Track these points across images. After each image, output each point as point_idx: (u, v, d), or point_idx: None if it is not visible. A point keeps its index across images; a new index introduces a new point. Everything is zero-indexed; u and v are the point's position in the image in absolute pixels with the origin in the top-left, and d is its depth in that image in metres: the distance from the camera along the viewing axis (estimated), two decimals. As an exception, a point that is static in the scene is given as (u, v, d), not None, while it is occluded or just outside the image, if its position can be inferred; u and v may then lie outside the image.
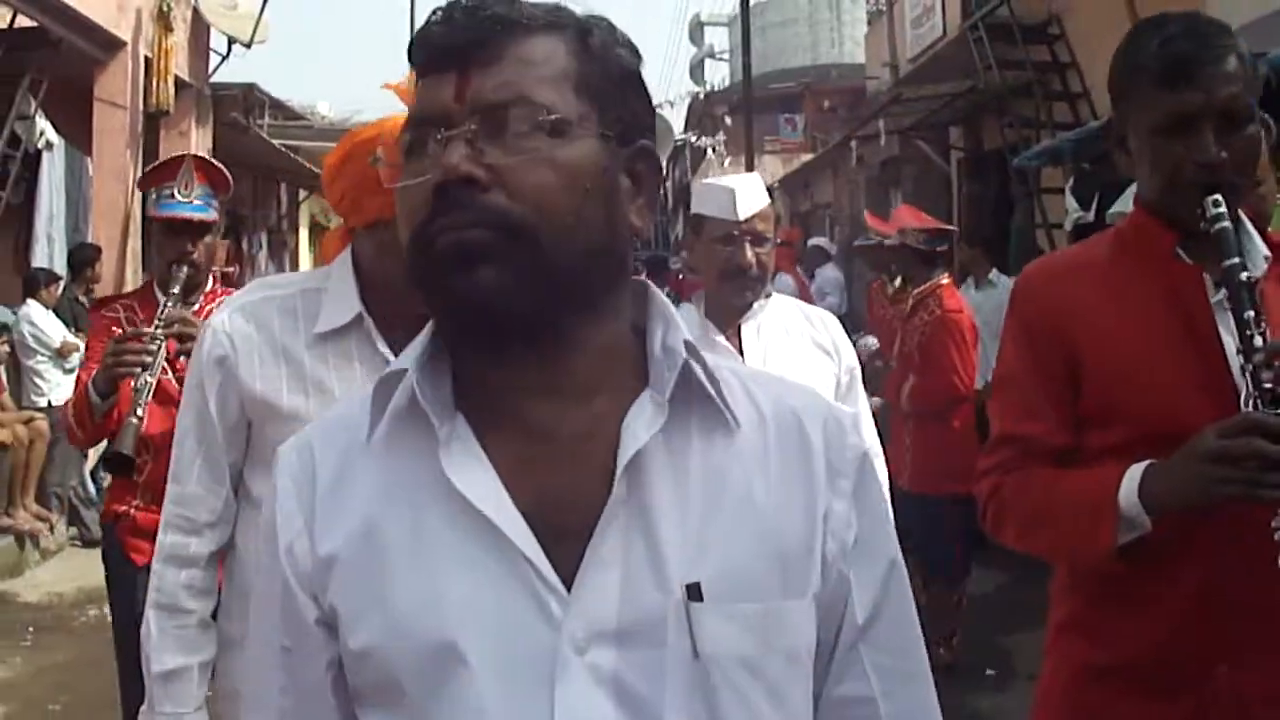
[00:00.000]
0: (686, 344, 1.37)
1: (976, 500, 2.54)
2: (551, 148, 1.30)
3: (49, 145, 11.82)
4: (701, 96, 37.58)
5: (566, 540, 1.30)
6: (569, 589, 1.28)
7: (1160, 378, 2.35)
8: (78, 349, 10.41)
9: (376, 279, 2.51)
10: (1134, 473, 2.25)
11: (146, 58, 13.00)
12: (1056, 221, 11.31)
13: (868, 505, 1.44)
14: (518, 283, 1.27)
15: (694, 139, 27.45)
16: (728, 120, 29.81)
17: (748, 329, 3.61)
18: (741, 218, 3.50)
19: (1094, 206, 9.52)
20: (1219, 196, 2.28)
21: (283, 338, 2.50)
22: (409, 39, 1.38)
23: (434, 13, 1.35)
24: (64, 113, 12.08)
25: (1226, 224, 2.27)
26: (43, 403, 10.42)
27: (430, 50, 1.34)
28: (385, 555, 1.33)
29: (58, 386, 10.41)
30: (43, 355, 10.49)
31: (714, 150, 29.12)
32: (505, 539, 1.29)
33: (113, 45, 12.54)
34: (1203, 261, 2.36)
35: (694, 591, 1.29)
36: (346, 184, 2.49)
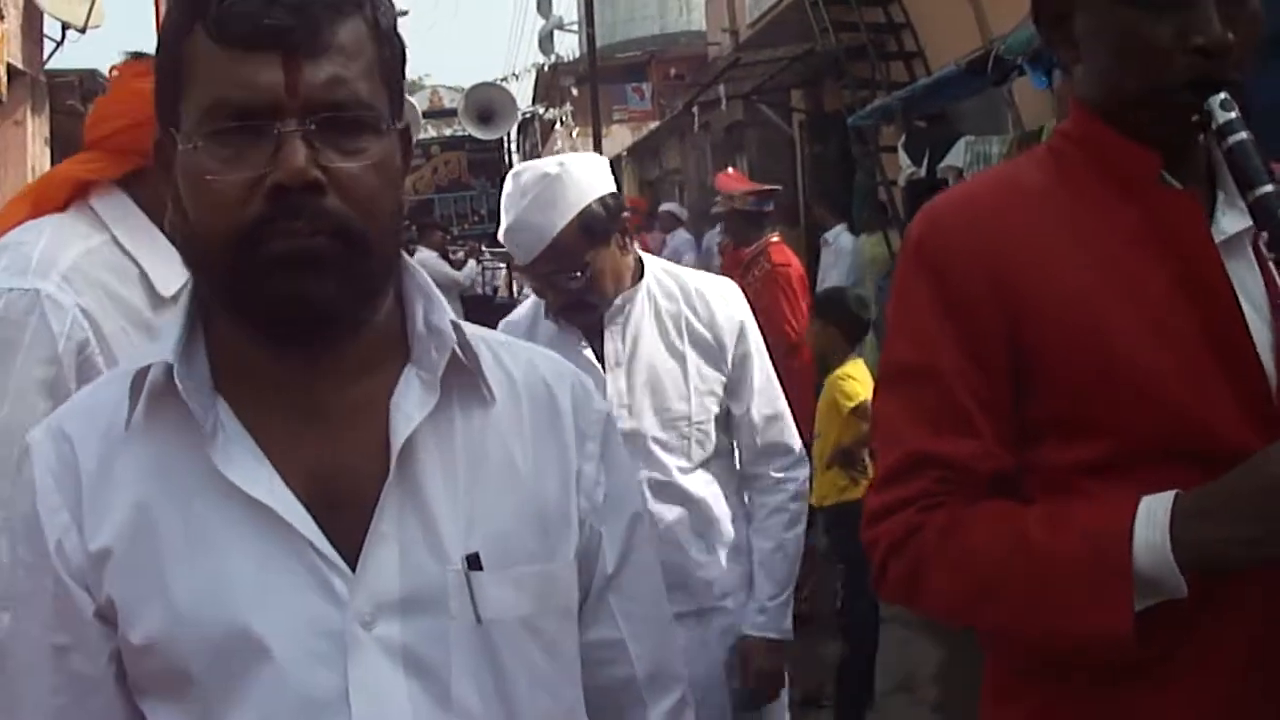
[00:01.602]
0: (454, 324, 1.41)
1: (868, 550, 1.82)
2: (376, 149, 1.31)
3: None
4: (547, 68, 37.43)
5: (344, 518, 1.33)
6: (351, 566, 1.31)
7: (1158, 359, 1.64)
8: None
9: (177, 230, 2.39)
10: (1154, 512, 1.55)
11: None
12: (894, 178, 11.46)
13: (614, 464, 1.53)
14: (348, 288, 1.29)
15: (542, 111, 27.37)
16: (574, 91, 29.73)
17: (608, 335, 3.22)
18: (526, 263, 3.19)
19: (925, 162, 9.65)
20: (1227, 96, 1.64)
21: (131, 301, 2.24)
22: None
23: None
24: (-108, 103, 11.69)
25: (1244, 135, 1.64)
26: None
27: (248, 25, 1.24)
28: (160, 545, 1.31)
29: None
30: None
31: (562, 122, 29.06)
32: (282, 521, 1.30)
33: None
34: (1191, 190, 1.73)
35: (474, 561, 1.35)
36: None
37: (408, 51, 1.40)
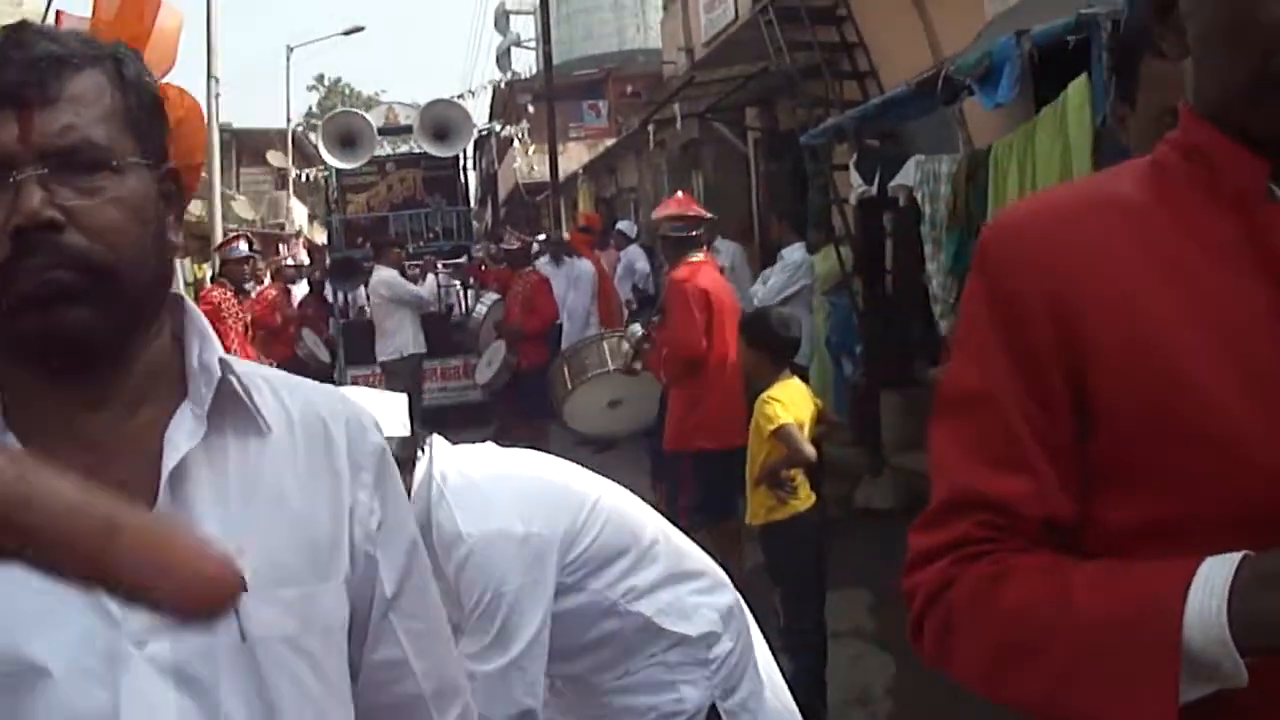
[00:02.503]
0: (221, 360, 1.50)
1: (907, 599, 1.57)
2: (116, 186, 1.40)
3: None
4: (504, 85, 37.45)
5: None
6: None
7: (1245, 408, 1.37)
8: None
9: None
10: (1214, 576, 1.28)
11: None
12: (846, 197, 11.55)
13: (388, 494, 1.62)
14: (102, 317, 1.38)
15: (498, 128, 27.34)
16: (531, 109, 29.75)
17: None
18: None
19: (876, 180, 9.74)
20: None
21: None
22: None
23: None
24: None
25: None
26: None
27: None
28: None
29: None
30: None
31: (519, 139, 29.06)
32: None
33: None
34: None
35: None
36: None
37: (160, 100, 1.52)
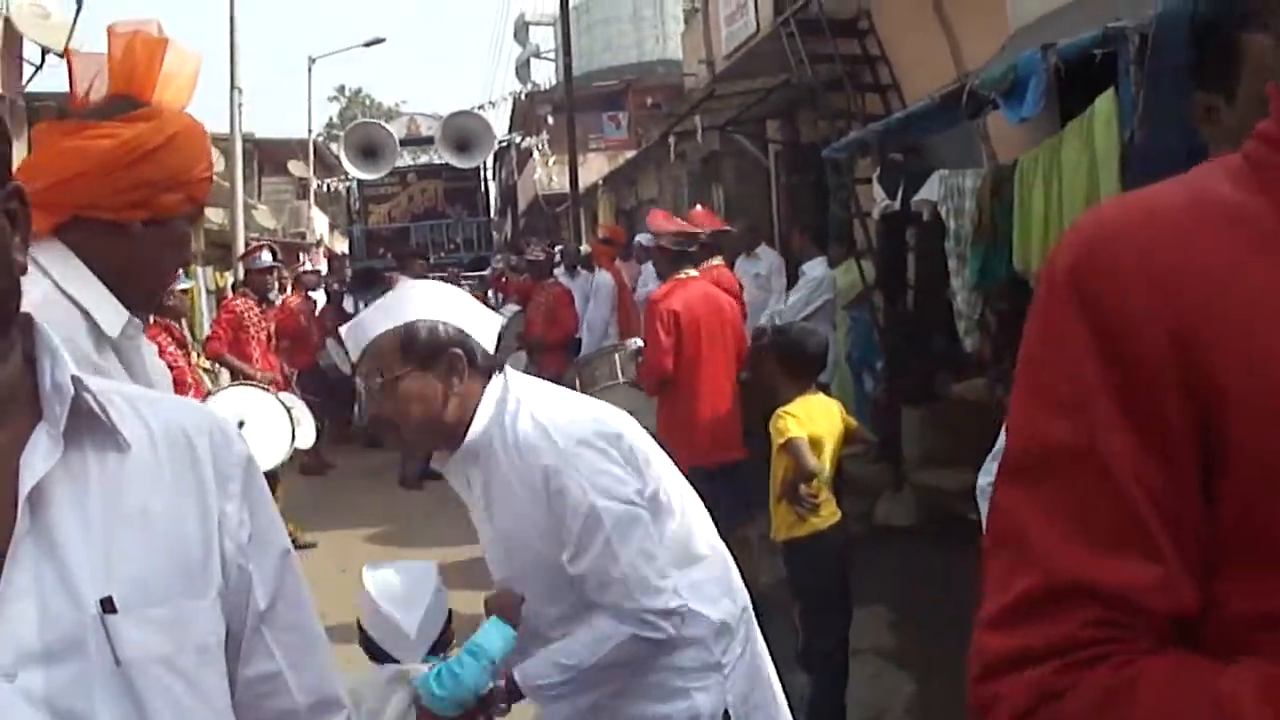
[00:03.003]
0: (74, 379, 1.45)
1: (981, 712, 1.28)
2: None
3: None
4: (524, 96, 37.51)
5: None
6: None
7: None
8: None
9: (131, 276, 2.49)
10: None
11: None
12: (869, 210, 11.51)
13: (257, 504, 1.59)
14: None
15: (518, 139, 27.37)
16: (550, 120, 29.79)
17: (471, 480, 3.21)
18: (353, 361, 3.14)
19: (899, 195, 9.70)
20: None
21: (81, 346, 2.36)
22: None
23: None
24: None
25: None
26: None
27: None
28: None
29: None
30: None
31: (538, 150, 29.10)
32: None
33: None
34: None
35: (107, 605, 1.39)
36: (152, 174, 2.46)
37: (3, 119, 1.49)
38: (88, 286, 2.43)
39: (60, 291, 2.38)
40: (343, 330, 3.17)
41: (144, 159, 2.43)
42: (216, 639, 1.51)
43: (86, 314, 2.41)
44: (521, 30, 45.85)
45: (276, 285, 13.95)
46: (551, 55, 40.09)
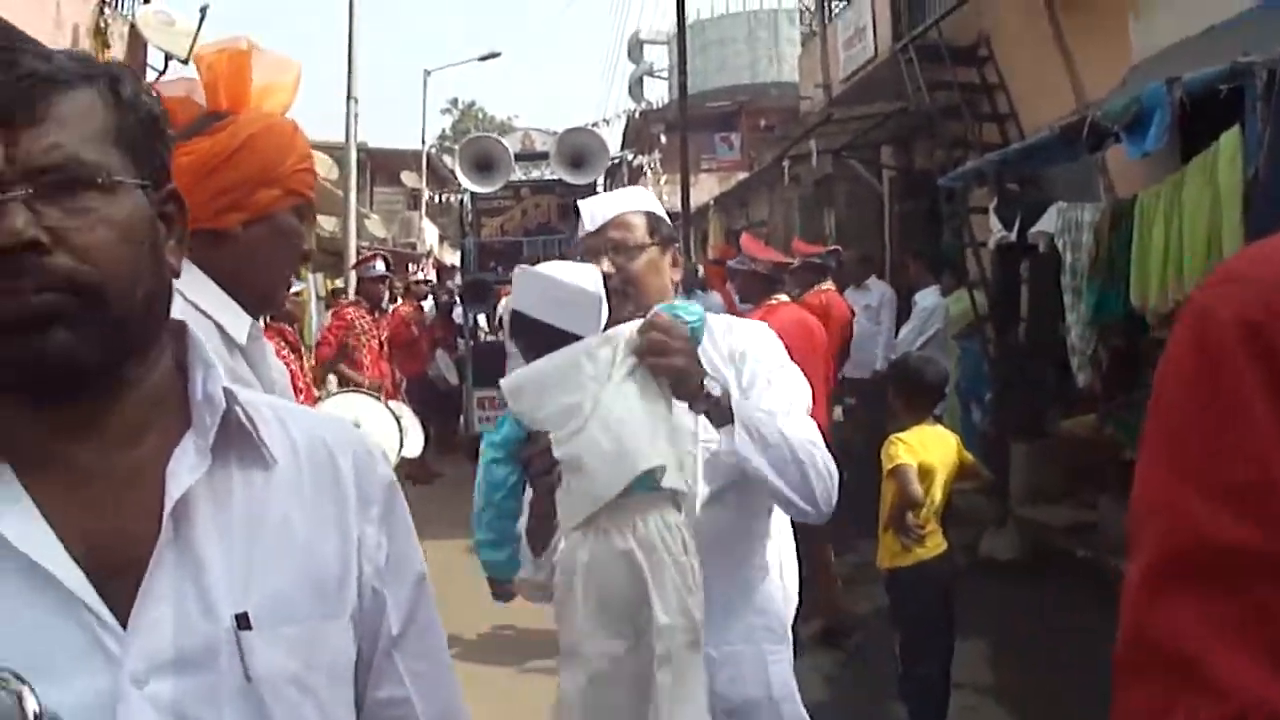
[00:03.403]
0: (226, 391, 1.45)
1: None
2: (106, 206, 1.34)
3: (-15, 164, 11.70)
4: (637, 114, 37.61)
5: (119, 579, 1.33)
6: (125, 626, 1.31)
7: None
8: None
9: (244, 280, 2.52)
10: None
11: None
12: (983, 240, 11.44)
13: (396, 528, 1.58)
14: (89, 340, 1.32)
15: (630, 156, 27.39)
16: (663, 139, 29.85)
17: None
18: (590, 229, 3.19)
19: (1016, 227, 9.62)
20: None
21: (221, 354, 2.41)
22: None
23: None
24: (0, 130, 11.97)
25: None
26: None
27: None
28: None
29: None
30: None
31: (650, 168, 29.15)
32: (56, 582, 1.30)
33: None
34: None
35: (242, 620, 1.37)
36: (236, 176, 2.49)
37: (161, 120, 1.47)
38: (211, 296, 2.48)
39: (189, 303, 2.39)
40: (583, 204, 3.26)
41: (223, 165, 2.46)
42: (347, 660, 1.51)
43: (216, 323, 2.46)
44: (636, 48, 46.03)
45: (389, 295, 14.10)
46: (665, 74, 40.24)
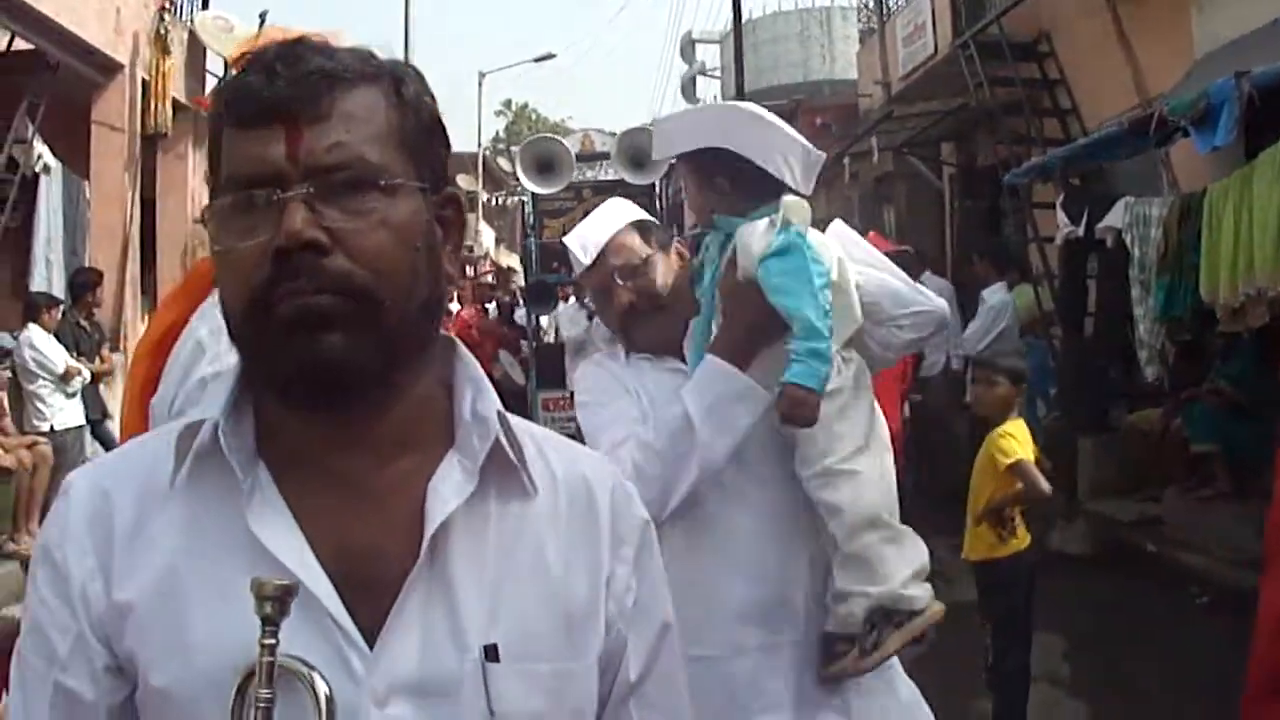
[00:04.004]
0: (499, 413, 1.41)
1: None
2: (386, 208, 1.31)
3: (46, 169, 11.87)
4: (694, 114, 37.54)
5: (368, 595, 1.31)
6: (369, 643, 1.30)
7: None
8: (80, 373, 10.49)
9: None
10: None
11: (144, 80, 13.08)
12: (1048, 235, 11.41)
13: (647, 571, 1.51)
14: (363, 345, 1.29)
15: (687, 156, 27.47)
16: (720, 138, 29.81)
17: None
18: (586, 264, 3.13)
19: (1084, 221, 9.62)
20: None
21: None
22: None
23: (250, 64, 1.34)
24: (61, 136, 12.13)
25: None
26: (45, 427, 10.35)
27: (252, 104, 1.30)
28: (185, 604, 1.31)
29: (60, 411, 10.47)
30: (45, 379, 10.43)
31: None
32: (308, 592, 1.29)
33: (110, 68, 12.63)
34: None
35: (491, 653, 1.33)
36: None
37: (441, 121, 1.44)
38: None
39: None
40: (568, 240, 3.21)
41: None
42: (591, 705, 1.44)
43: None
44: (688, 48, 45.92)
45: (454, 296, 14.22)
46: (718, 73, 40.14)
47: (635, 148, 16.51)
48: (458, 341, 1.49)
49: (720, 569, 2.87)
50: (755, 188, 2.91)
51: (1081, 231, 9.73)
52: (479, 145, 42.16)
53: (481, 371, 1.48)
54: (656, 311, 3.07)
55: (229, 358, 2.12)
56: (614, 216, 3.20)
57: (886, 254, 8.11)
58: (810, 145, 2.97)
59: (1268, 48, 7.62)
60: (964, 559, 5.93)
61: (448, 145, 1.46)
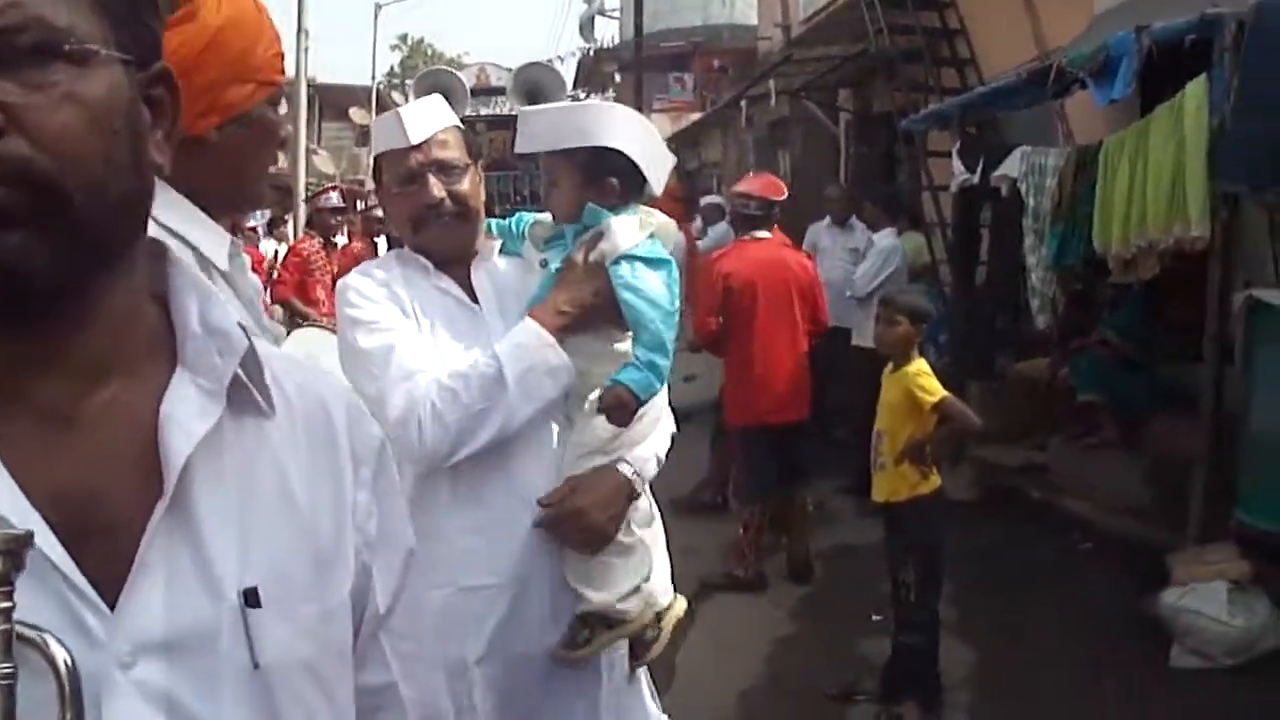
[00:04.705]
0: (240, 325, 1.24)
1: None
2: (74, 80, 1.09)
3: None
4: (590, 53, 37.40)
5: (100, 544, 1.11)
6: (106, 598, 1.10)
7: None
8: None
9: (221, 189, 2.22)
10: None
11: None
12: (942, 184, 11.48)
13: (386, 493, 1.38)
14: (47, 247, 1.07)
15: (582, 96, 27.35)
16: (617, 78, 29.75)
17: (477, 277, 3.06)
18: (413, 141, 2.95)
19: (979, 169, 9.69)
20: None
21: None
22: None
23: None
24: None
25: None
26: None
27: None
28: None
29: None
30: None
31: (603, 108, 29.10)
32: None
33: None
34: None
35: (251, 598, 1.17)
36: (209, 76, 2.12)
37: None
38: (184, 214, 2.15)
39: (160, 225, 2.01)
40: (403, 111, 3.07)
41: (193, 67, 2.06)
42: (350, 643, 1.31)
43: (192, 246, 2.14)
44: (588, -12, 45.63)
45: (342, 228, 13.95)
46: (616, 14, 39.92)
47: (531, 82, 16.44)
48: (168, 245, 1.29)
49: (511, 501, 2.90)
50: (633, 189, 3.00)
51: (977, 179, 9.79)
52: (373, 79, 41.60)
53: (206, 279, 1.32)
54: (454, 219, 3.01)
55: None
56: (450, 112, 3.14)
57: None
58: (668, 150, 3.10)
59: (1163, 6, 7.68)
60: (881, 501, 5.91)
61: (160, 13, 1.26)
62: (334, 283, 12.02)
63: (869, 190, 13.55)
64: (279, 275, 11.76)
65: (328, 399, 1.34)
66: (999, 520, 8.77)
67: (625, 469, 2.92)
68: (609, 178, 2.96)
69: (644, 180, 2.99)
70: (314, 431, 1.30)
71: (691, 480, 9.60)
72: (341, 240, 15.08)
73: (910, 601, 5.77)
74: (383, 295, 2.99)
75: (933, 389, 5.69)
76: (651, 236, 2.94)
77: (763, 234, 8.33)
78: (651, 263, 2.88)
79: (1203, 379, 7.24)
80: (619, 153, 2.92)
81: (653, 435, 3.06)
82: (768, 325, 8.03)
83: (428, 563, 1.69)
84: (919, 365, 5.83)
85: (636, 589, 2.95)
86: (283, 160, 22.85)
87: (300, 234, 13.25)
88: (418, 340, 2.93)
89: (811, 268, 8.64)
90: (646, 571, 3.00)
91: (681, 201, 15.06)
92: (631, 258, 2.87)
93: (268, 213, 22.14)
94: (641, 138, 2.98)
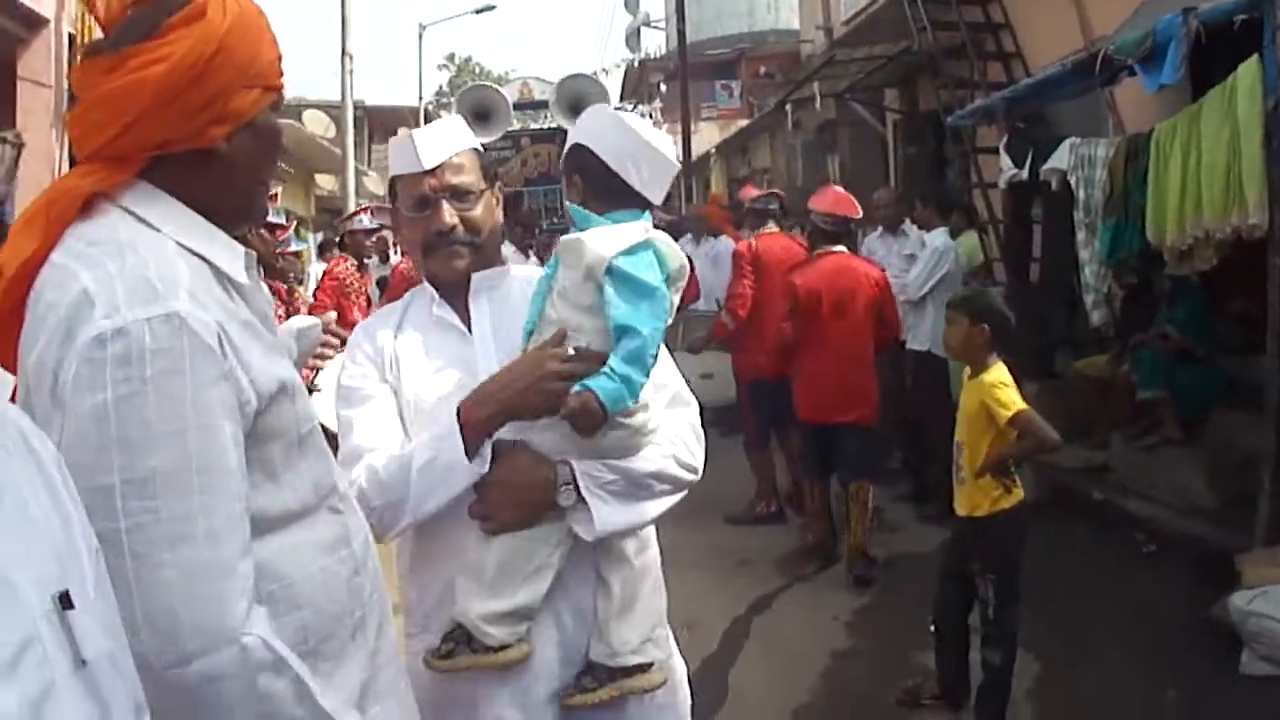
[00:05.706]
0: None
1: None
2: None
3: (-32, 124, 11.59)
4: (636, 64, 37.43)
5: None
6: None
7: None
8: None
9: (226, 199, 2.16)
10: None
11: (70, 34, 12.74)
12: (992, 181, 11.30)
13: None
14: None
15: (630, 107, 27.31)
16: (663, 88, 29.71)
17: (475, 306, 3.02)
18: (426, 166, 2.94)
19: (1028, 164, 9.49)
20: None
21: (225, 301, 2.07)
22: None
23: None
24: (-14, 92, 11.84)
25: None
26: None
27: None
28: None
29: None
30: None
31: (650, 117, 29.05)
32: None
33: (34, 22, 12.28)
34: None
35: (65, 600, 1.17)
36: (217, 83, 2.06)
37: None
38: (201, 233, 2.10)
39: (179, 246, 2.03)
40: (416, 134, 3.02)
41: (206, 72, 2.04)
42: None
43: (209, 262, 2.09)
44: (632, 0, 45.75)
45: (376, 249, 13.90)
46: (662, 24, 39.99)
47: (574, 95, 16.33)
48: None
49: (472, 535, 2.80)
50: (604, 188, 2.86)
51: (1026, 175, 9.58)
52: (420, 98, 41.81)
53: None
54: (467, 248, 2.98)
55: (129, 311, 1.85)
56: (467, 134, 3.09)
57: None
58: (671, 158, 2.91)
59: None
60: (965, 515, 5.62)
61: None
62: (369, 302, 12.08)
63: (920, 189, 13.38)
64: (316, 299, 11.74)
65: (21, 425, 1.32)
66: (1060, 523, 8.55)
67: (563, 470, 2.77)
68: (574, 174, 2.90)
69: (623, 183, 2.84)
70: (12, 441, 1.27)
71: (735, 490, 9.68)
72: (393, 259, 15.04)
73: (991, 620, 5.54)
74: (366, 355, 3.01)
75: (1008, 401, 5.38)
76: (648, 246, 2.79)
77: (839, 248, 8.60)
78: (639, 283, 2.73)
79: (1266, 371, 6.93)
80: (590, 151, 2.85)
81: (657, 458, 2.89)
82: (833, 331, 8.29)
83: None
84: (996, 374, 5.54)
85: (510, 614, 2.77)
86: (332, 182, 23.01)
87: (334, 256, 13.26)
88: (382, 410, 2.92)
89: (882, 279, 8.63)
90: (532, 601, 2.81)
91: (728, 209, 14.91)
92: (625, 275, 2.73)
93: (320, 234, 22.23)
94: (615, 137, 2.86)
